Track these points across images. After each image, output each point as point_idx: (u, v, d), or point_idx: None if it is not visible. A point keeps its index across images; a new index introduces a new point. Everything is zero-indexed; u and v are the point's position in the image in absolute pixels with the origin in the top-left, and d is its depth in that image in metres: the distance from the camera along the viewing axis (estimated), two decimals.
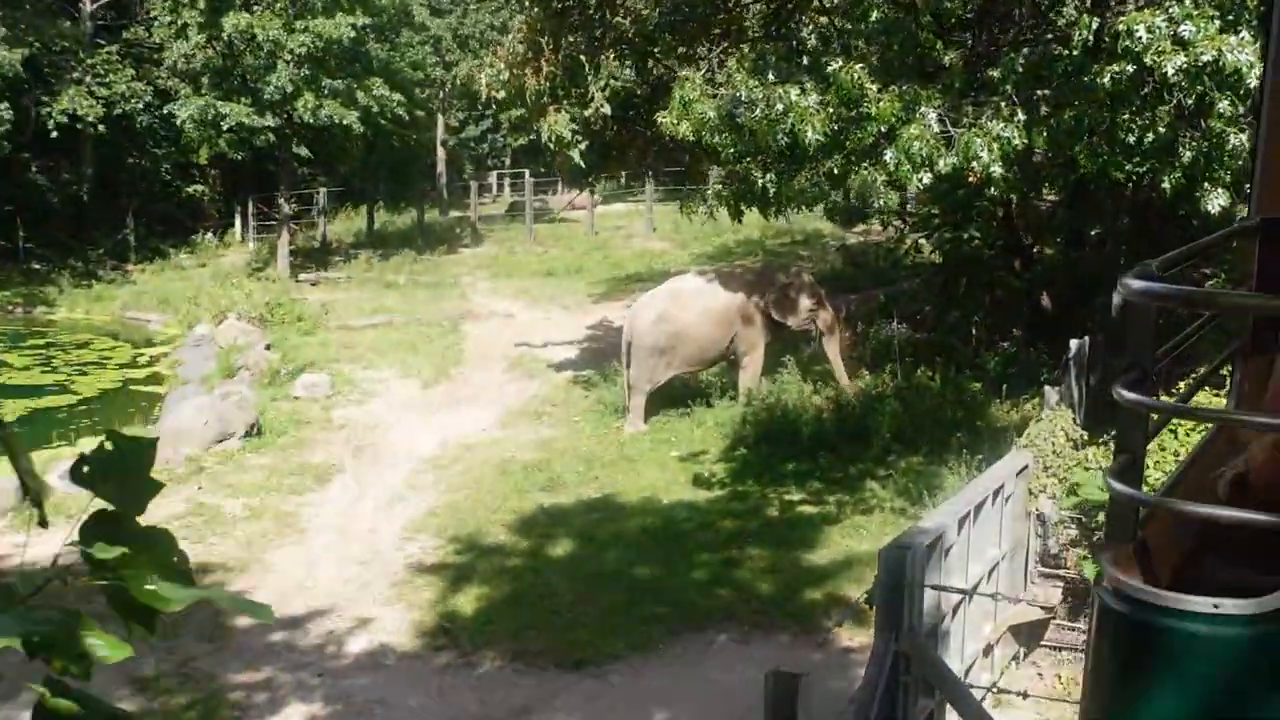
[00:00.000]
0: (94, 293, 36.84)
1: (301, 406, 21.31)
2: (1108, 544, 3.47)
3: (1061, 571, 11.52)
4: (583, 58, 17.27)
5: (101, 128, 38.62)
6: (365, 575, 14.07)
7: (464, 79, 23.73)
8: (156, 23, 35.94)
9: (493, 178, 55.36)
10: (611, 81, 17.52)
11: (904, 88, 11.32)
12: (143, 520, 2.04)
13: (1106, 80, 10.62)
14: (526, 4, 18.90)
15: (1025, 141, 10.98)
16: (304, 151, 41.02)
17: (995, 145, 10.75)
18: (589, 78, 17.54)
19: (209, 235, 43.57)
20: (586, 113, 17.73)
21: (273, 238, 41.45)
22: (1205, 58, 10.03)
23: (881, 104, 10.96)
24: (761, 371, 19.44)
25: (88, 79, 38.66)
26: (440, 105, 42.61)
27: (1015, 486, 11.04)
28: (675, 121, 12.15)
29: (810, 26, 12.47)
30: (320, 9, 33.58)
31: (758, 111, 11.47)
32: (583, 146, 17.44)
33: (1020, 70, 11.82)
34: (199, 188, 44.94)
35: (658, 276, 31.22)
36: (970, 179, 11.26)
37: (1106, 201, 18.62)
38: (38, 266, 39.53)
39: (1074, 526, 11.30)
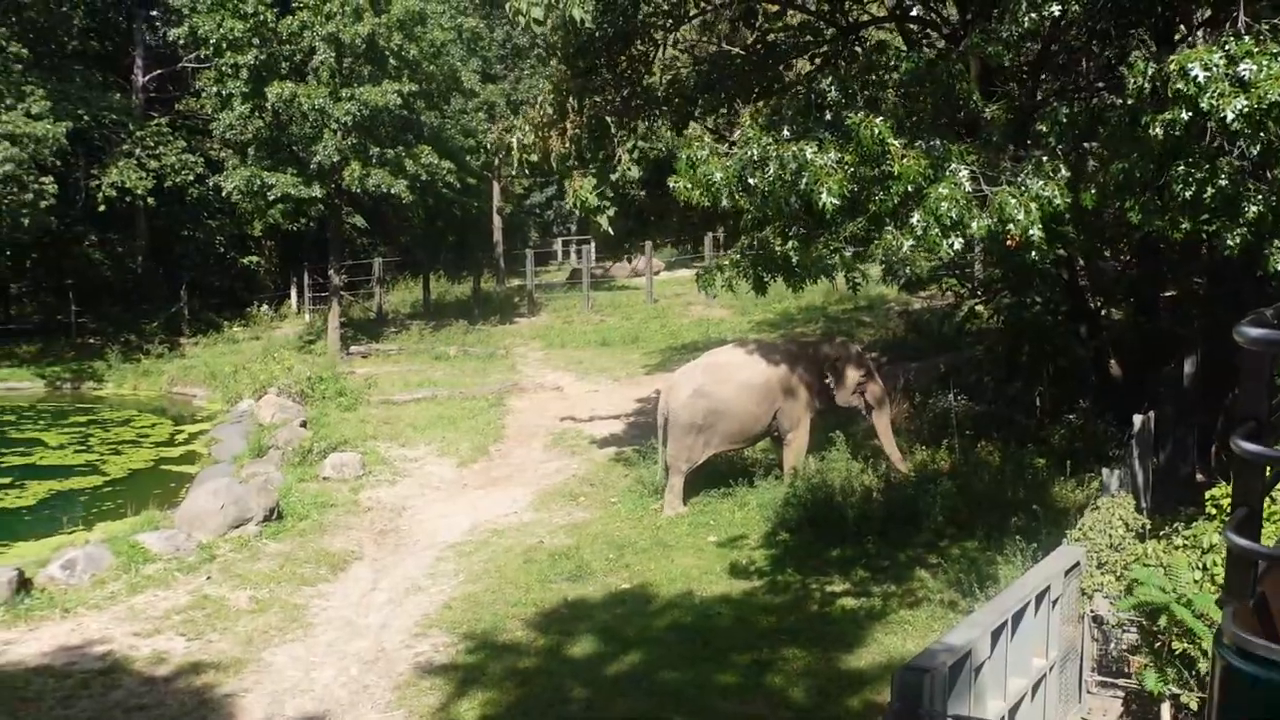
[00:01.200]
0: (142, 368, 36.29)
1: (329, 488, 20.37)
2: (1226, 600, 3.38)
3: (1121, 681, 10.22)
4: (609, 119, 16.29)
5: (151, 200, 38.23)
6: (367, 677, 12.99)
7: (494, 143, 22.89)
8: (204, 93, 35.47)
9: (558, 244, 54.65)
10: (640, 144, 16.52)
11: (932, 143, 10.19)
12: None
13: (1159, 130, 9.45)
14: (553, 64, 17.99)
15: (1067, 200, 9.79)
16: (359, 221, 40.42)
17: (1034, 205, 9.58)
18: (616, 140, 16.57)
19: (264, 307, 43.01)
20: (613, 176, 16.76)
21: (328, 309, 40.95)
22: (1271, 97, 8.86)
23: (906, 161, 9.83)
24: (808, 449, 18.23)
25: (138, 151, 38.29)
26: (496, 173, 41.83)
27: (1065, 587, 9.79)
28: (687, 185, 11.12)
29: (830, 79, 11.33)
30: (367, 77, 32.92)
31: (770, 171, 10.41)
32: (610, 212, 16.41)
33: (1065, 121, 10.66)
34: (253, 259, 44.45)
35: (714, 345, 30.25)
36: (1009, 243, 10.10)
37: (1178, 261, 17.27)
38: (92, 341, 39.12)
39: (1134, 630, 10.00)
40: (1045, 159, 10.36)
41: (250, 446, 22.98)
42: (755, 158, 10.54)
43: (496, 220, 44.70)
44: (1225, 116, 9.15)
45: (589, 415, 25.05)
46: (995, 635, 8.22)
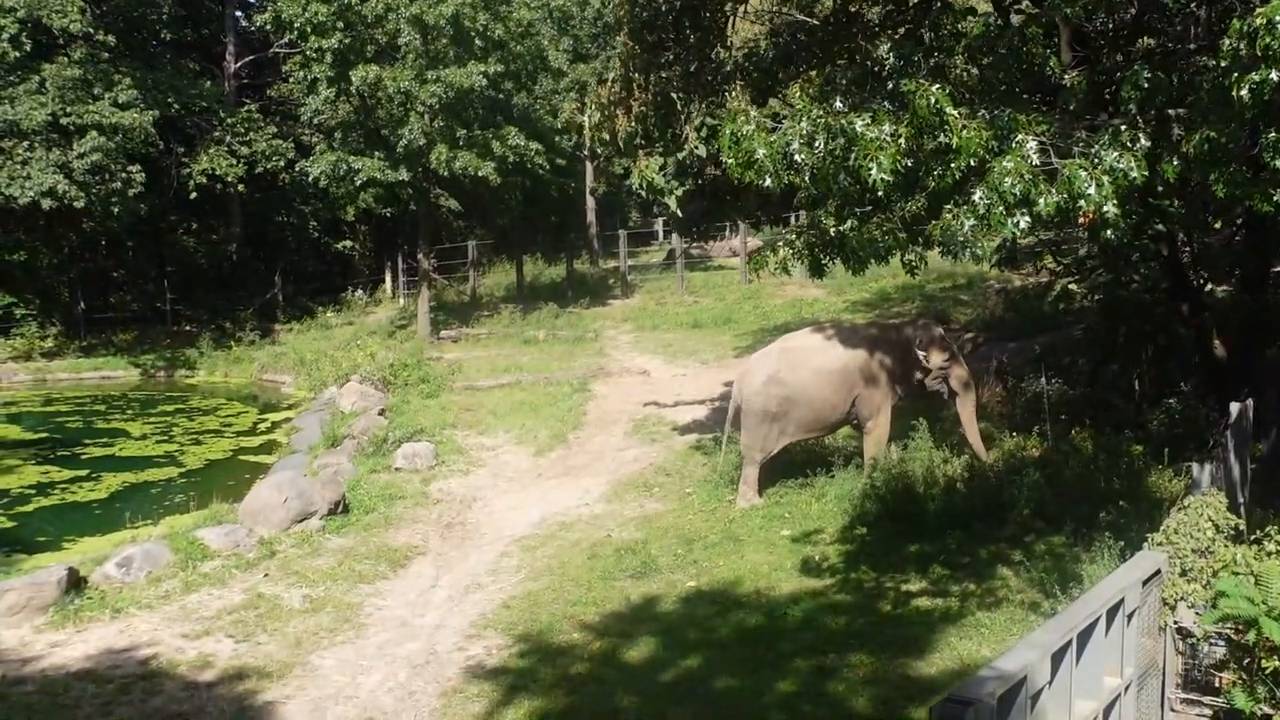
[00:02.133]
0: (233, 355, 36.24)
1: (399, 479, 19.89)
2: None
3: (1209, 699, 9.30)
4: (675, 95, 15.51)
5: (242, 187, 38.14)
6: (415, 682, 12.42)
7: (566, 123, 22.18)
8: (291, 79, 35.22)
9: (658, 225, 53.93)
10: (708, 120, 15.72)
11: (996, 112, 9.28)
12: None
13: (1245, 92, 8.50)
14: (620, 38, 17.23)
15: (1144, 174, 8.85)
16: (453, 204, 40.02)
17: (1106, 179, 8.66)
18: (683, 117, 15.80)
19: (359, 292, 42.82)
20: (680, 155, 15.98)
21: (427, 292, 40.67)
22: None
23: (966, 132, 8.95)
24: (889, 437, 17.36)
25: (228, 138, 38.17)
26: (589, 152, 41.18)
27: (1144, 598, 8.90)
28: (738, 163, 10.32)
29: (889, 44, 10.37)
30: (452, 58, 32.39)
31: (818, 146, 9.58)
32: (678, 193, 15.62)
33: (1147, 86, 9.69)
34: (347, 244, 44.27)
35: (809, 326, 29.37)
36: (1081, 220, 9.19)
37: None
38: (189, 329, 39.18)
39: (1222, 643, 9.08)
40: (1125, 128, 9.42)
41: (325, 436, 22.60)
42: (803, 132, 9.73)
43: (590, 201, 44.07)
44: None
45: (673, 400, 24.35)
46: (1057, 657, 7.39)
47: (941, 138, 9.26)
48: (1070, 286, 20.14)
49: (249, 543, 16.82)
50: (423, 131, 32.52)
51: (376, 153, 33.60)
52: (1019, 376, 20.32)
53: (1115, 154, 8.95)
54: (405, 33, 32.18)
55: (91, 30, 34.25)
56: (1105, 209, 8.95)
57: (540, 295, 39.66)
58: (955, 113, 9.16)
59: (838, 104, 10.08)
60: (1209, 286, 19.02)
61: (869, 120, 9.45)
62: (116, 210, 34.10)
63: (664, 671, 12.17)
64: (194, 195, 37.65)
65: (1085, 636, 7.86)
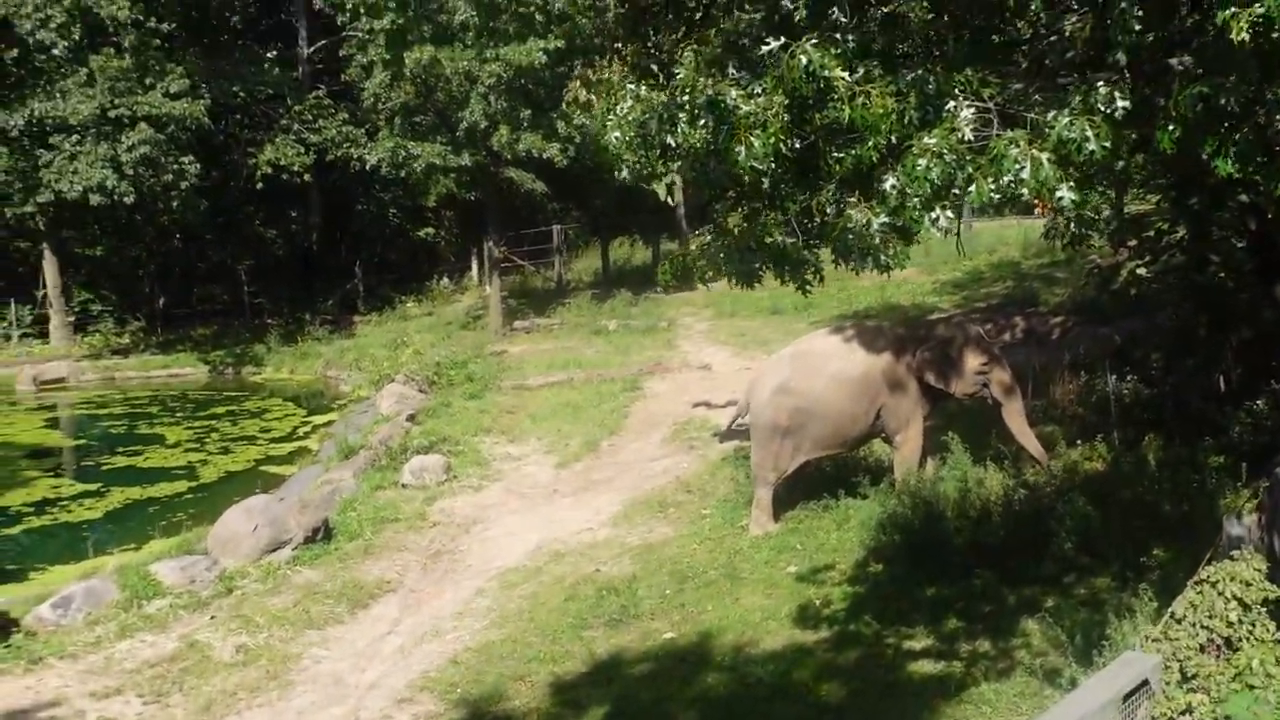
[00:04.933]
0: (299, 350, 34.87)
1: (401, 497, 18.15)
2: None
3: None
4: (654, 65, 13.32)
5: (308, 176, 36.76)
6: None
7: (568, 103, 20.10)
8: (351, 62, 33.67)
9: None
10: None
11: (919, 74, 7.03)
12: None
13: (1244, 34, 6.20)
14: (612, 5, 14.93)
15: (1104, 146, 6.51)
16: (540, 186, 38.16)
17: (1046, 156, 6.39)
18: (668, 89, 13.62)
19: (444, 280, 41.27)
20: (670, 140, 13.85)
21: (510, 280, 38.99)
22: None
23: (861, 102, 6.74)
24: (923, 451, 15.11)
25: (295, 126, 36.77)
26: None
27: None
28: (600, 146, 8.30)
29: None
30: (513, 35, 30.47)
31: (683, 126, 7.47)
32: (668, 180, 13.48)
33: (1138, 29, 7.35)
34: (429, 231, 42.73)
35: (890, 312, 27.10)
36: (1038, 209, 6.97)
37: None
38: (270, 322, 37.97)
39: None
40: (1101, 85, 7.13)
41: (340, 448, 20.88)
42: (662, 108, 7.65)
43: (675, 179, 41.89)
44: None
45: (726, 400, 22.19)
46: None
47: (828, 109, 7.04)
48: (1139, 270, 17.53)
49: (207, 578, 15.21)
50: (484, 113, 30.69)
51: (438, 137, 31.87)
52: (1091, 372, 17.81)
53: (1066, 121, 6.66)
54: (462, 9, 30.29)
55: (141, 18, 32.95)
56: (1060, 194, 6.68)
57: (626, 280, 37.74)
58: (844, 76, 6.92)
59: (732, 71, 7.92)
60: None
61: (742, 91, 7.28)
62: (175, 204, 32.89)
63: None
64: (260, 185, 36.32)
65: None
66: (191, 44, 36.84)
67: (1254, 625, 7.87)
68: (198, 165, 32.58)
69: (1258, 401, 15.22)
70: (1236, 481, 13.24)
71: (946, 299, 28.08)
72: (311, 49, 40.15)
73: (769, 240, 7.89)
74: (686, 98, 7.57)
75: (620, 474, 18.75)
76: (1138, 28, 7.53)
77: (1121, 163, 7.44)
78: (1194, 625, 7.48)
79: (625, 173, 8.29)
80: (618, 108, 8.08)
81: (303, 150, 36.65)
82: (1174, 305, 17.07)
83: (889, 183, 6.89)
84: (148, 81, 32.50)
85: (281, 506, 16.56)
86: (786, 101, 7.11)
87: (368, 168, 33.40)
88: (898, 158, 6.97)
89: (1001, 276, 29.10)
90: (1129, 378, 16.93)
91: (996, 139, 6.68)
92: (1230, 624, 7.67)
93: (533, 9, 30.31)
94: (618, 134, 8.02)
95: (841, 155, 7.30)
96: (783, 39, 7.21)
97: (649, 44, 13.17)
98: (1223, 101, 6.83)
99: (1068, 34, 8.96)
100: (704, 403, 22.21)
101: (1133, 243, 18.15)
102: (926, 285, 30.12)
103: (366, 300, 39.75)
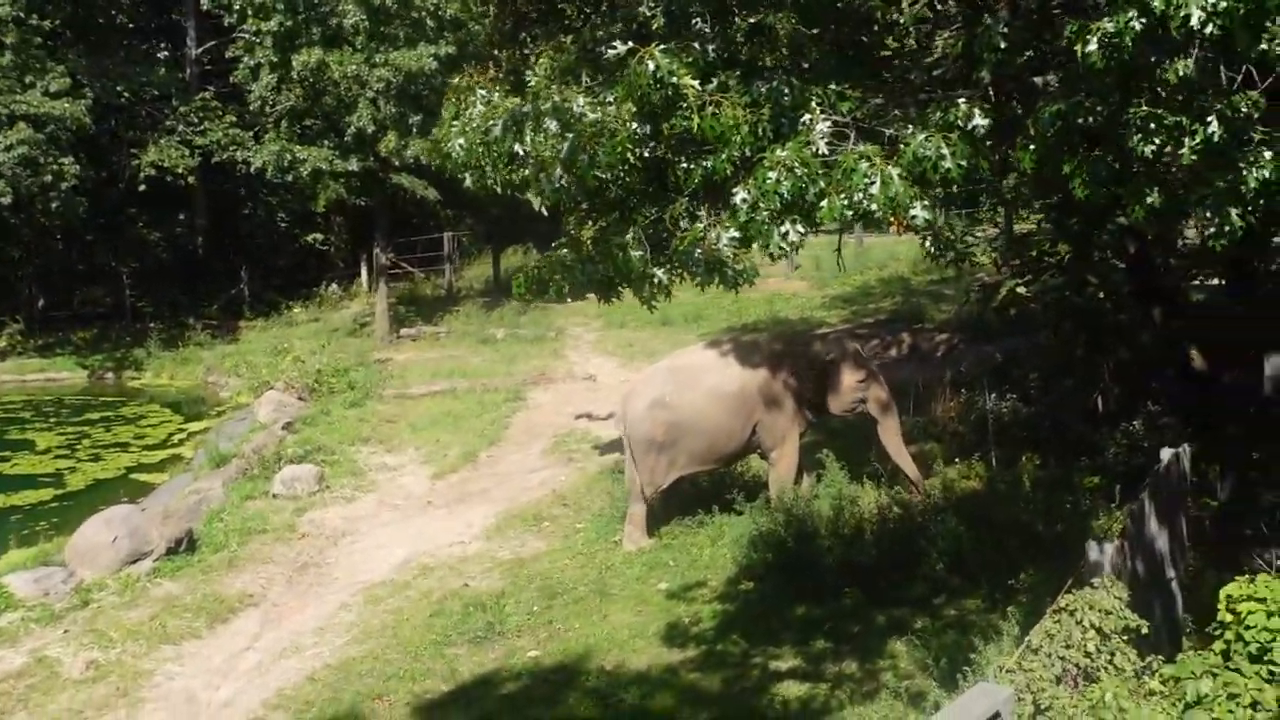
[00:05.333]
0: (180, 355, 34.04)
1: (271, 508, 17.65)
2: None
3: None
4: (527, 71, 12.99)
5: (192, 179, 36.00)
6: None
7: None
8: (239, 64, 32.97)
9: None
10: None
11: (772, 85, 6.80)
12: None
13: (1093, 48, 6.04)
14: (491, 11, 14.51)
15: (960, 165, 6.33)
16: (433, 194, 37.59)
17: (896, 172, 6.19)
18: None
19: (332, 286, 40.57)
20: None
21: (400, 287, 38.45)
22: None
23: (711, 112, 6.50)
24: (799, 468, 14.95)
25: (180, 127, 35.98)
26: None
27: None
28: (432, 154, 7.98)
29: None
30: (403, 40, 30.00)
31: (528, 135, 7.16)
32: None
33: (1002, 45, 7.18)
34: (317, 236, 41.99)
35: (778, 325, 27.00)
36: (892, 226, 6.80)
37: None
38: (153, 326, 36.98)
39: None
40: (962, 102, 6.96)
41: (210, 457, 20.34)
42: (507, 115, 7.35)
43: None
44: (1189, 16, 5.75)
45: (609, 412, 21.92)
46: None
47: (679, 119, 6.80)
48: (1018, 289, 17.54)
49: (63, 590, 14.70)
50: (372, 118, 30.15)
51: (325, 141, 31.28)
52: (976, 389, 17.78)
53: (922, 138, 6.48)
54: (352, 13, 29.79)
55: (23, 14, 32.04)
56: (914, 212, 6.49)
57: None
58: (694, 84, 6.69)
59: (586, 79, 7.66)
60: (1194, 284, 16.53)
61: (590, 99, 7.03)
62: (55, 205, 31.98)
63: None
64: (143, 188, 35.44)
65: None
66: (76, 42, 35.85)
67: (1113, 655, 7.75)
68: (78, 166, 31.65)
69: (1134, 423, 15.25)
70: (1111, 503, 13.25)
71: (835, 314, 28.03)
72: (200, 50, 39.31)
73: (616, 254, 7.61)
74: (535, 106, 7.27)
75: (497, 486, 18.42)
76: (1003, 45, 7.41)
77: (983, 184, 7.22)
78: (1050, 656, 7.33)
79: (468, 181, 7.98)
80: (466, 113, 7.75)
81: (187, 152, 35.81)
82: (1053, 325, 17.06)
83: (739, 196, 6.66)
84: (27, 80, 31.59)
85: (143, 516, 16.06)
86: (635, 110, 6.87)
87: (252, 170, 32.71)
88: (750, 170, 6.74)
89: (891, 292, 29.11)
90: (1008, 396, 16.92)
91: (846, 154, 6.48)
92: (1089, 654, 7.54)
93: (424, 14, 30.00)
94: (461, 141, 7.68)
95: (690, 166, 7.05)
96: (630, 44, 6.95)
97: (525, 50, 12.88)
98: (1079, 121, 6.69)
99: (940, 51, 8.82)
100: (586, 414, 21.94)
101: (1015, 262, 18.16)
102: (816, 299, 30.07)
103: (253, 305, 38.92)
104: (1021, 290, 17.20)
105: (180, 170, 35.42)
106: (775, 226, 6.54)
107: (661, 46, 6.74)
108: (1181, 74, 6.37)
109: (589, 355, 28.01)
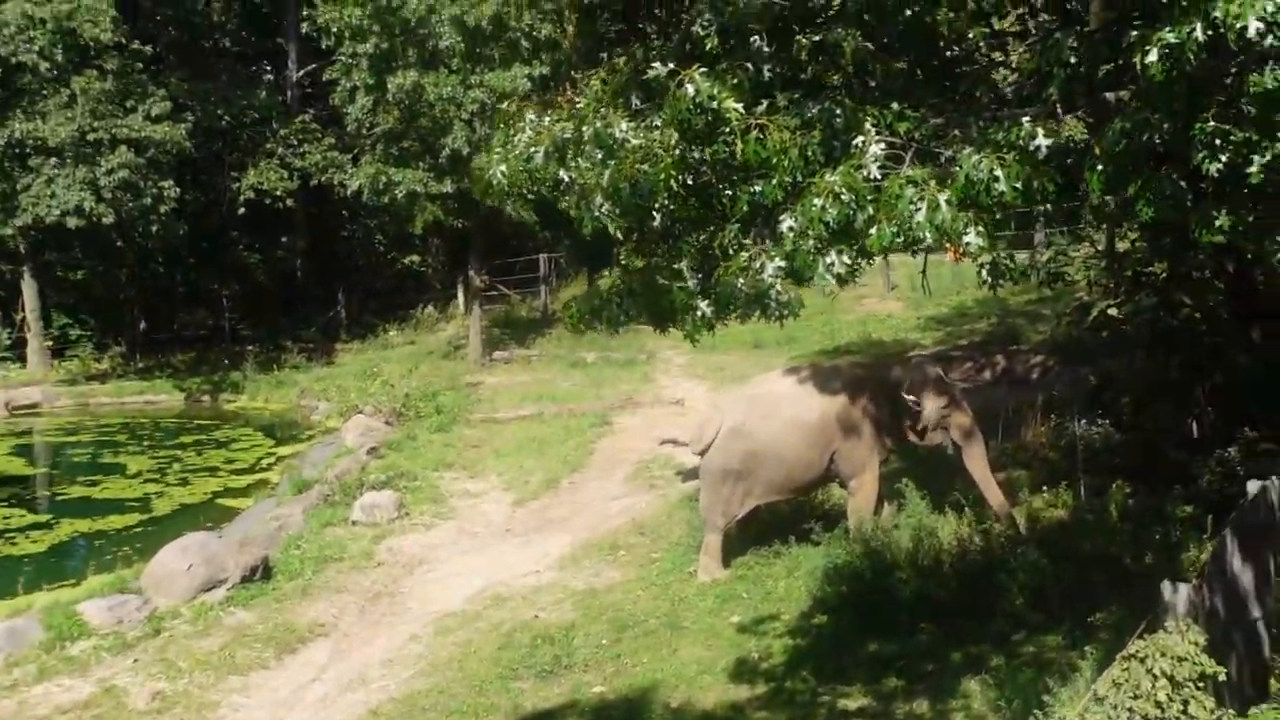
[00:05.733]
0: (276, 378, 34.25)
1: (349, 535, 17.57)
2: None
3: None
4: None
5: (290, 201, 36.29)
6: None
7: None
8: (337, 87, 33.18)
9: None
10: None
11: (824, 107, 6.48)
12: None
13: (1153, 57, 5.66)
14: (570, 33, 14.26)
15: (1015, 187, 5.94)
16: (528, 215, 37.58)
17: (944, 198, 5.84)
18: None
19: (430, 309, 40.67)
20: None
21: (496, 309, 38.42)
22: None
23: (755, 136, 6.18)
24: (879, 497, 14.54)
25: (279, 150, 36.32)
26: None
27: None
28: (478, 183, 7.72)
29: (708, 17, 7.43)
30: (497, 61, 29.99)
31: (576, 161, 6.87)
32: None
33: (1073, 61, 6.82)
34: (415, 258, 42.16)
35: (872, 348, 26.54)
36: (950, 255, 6.46)
37: None
38: (251, 349, 37.38)
39: None
40: (1027, 120, 6.60)
41: (293, 483, 20.31)
42: (552, 140, 7.08)
43: None
44: (1245, 28, 5.36)
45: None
46: None
47: (722, 143, 6.50)
48: (1110, 310, 16.97)
49: (136, 618, 14.67)
50: (467, 140, 30.16)
51: (420, 164, 31.35)
52: (1068, 413, 17.20)
53: (974, 160, 6.12)
54: (446, 35, 29.83)
55: (124, 40, 32.54)
56: (967, 238, 6.13)
57: None
58: (737, 108, 6.38)
59: (636, 102, 7.37)
60: None
61: (633, 123, 6.74)
62: (155, 228, 32.42)
63: None
64: (243, 210, 35.88)
65: None
66: (179, 66, 36.38)
67: (1187, 704, 7.30)
68: (178, 189, 32.08)
69: (1230, 449, 14.62)
70: (1203, 534, 12.70)
71: (929, 335, 27.49)
72: (300, 73, 39.70)
73: (661, 285, 7.32)
74: (577, 131, 7.00)
75: (575, 514, 18.19)
76: (1072, 60, 7.03)
77: (1045, 206, 6.81)
78: (1115, 707, 6.89)
79: (509, 209, 7.73)
80: (516, 139, 7.49)
81: (287, 175, 36.17)
82: (1146, 347, 16.48)
83: (786, 223, 6.35)
84: (129, 104, 32.05)
85: (220, 544, 16.02)
86: (677, 136, 6.58)
87: (349, 193, 32.91)
88: (799, 196, 6.42)
89: (987, 313, 28.47)
90: (1100, 421, 16.35)
91: (892, 178, 6.14)
92: (1159, 704, 7.10)
93: (519, 35, 29.95)
94: (503, 169, 7.42)
95: (736, 193, 6.75)
96: (670, 66, 6.66)
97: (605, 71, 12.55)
98: (1144, 138, 6.29)
99: (1013, 64, 8.45)
100: (671, 440, 21.60)
101: (1110, 282, 17.63)
102: (910, 321, 29.53)
103: (349, 328, 39.19)
104: (1113, 311, 16.65)
105: (279, 193, 35.75)
106: (821, 257, 6.21)
107: (703, 69, 6.44)
108: (1270, 86, 5.95)
109: (678, 379, 27.70)
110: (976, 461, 14.33)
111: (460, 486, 20.12)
